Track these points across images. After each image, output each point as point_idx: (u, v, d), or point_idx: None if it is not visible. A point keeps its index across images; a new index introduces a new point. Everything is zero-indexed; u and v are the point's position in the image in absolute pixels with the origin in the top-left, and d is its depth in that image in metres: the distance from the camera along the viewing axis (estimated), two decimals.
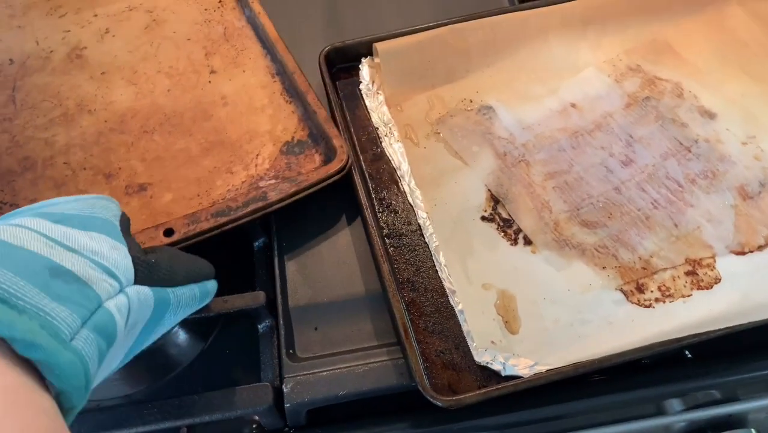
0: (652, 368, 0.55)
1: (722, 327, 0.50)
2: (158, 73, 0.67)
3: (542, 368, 0.50)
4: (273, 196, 0.54)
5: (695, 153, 0.63)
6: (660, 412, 0.56)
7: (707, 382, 0.55)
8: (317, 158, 0.60)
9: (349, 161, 0.58)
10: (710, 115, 0.66)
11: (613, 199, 0.60)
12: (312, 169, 0.58)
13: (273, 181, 0.57)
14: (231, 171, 0.59)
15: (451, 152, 0.64)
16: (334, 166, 0.57)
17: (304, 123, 0.62)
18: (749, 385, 0.57)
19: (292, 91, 0.64)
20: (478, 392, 0.48)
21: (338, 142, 0.59)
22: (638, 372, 0.55)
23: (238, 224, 0.53)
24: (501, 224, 0.59)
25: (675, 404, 0.57)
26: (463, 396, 0.47)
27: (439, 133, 0.66)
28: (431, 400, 0.47)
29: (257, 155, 0.60)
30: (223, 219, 0.52)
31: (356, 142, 0.65)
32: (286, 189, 0.54)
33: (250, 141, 0.61)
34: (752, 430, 0.52)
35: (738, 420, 0.52)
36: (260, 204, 0.54)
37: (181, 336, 0.60)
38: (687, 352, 0.57)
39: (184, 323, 0.58)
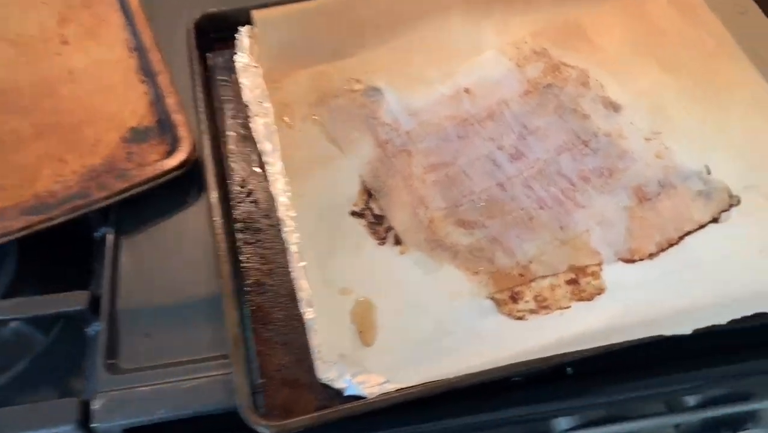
0: (525, 385, 0.50)
1: (589, 347, 0.44)
2: (1, 40, 0.59)
3: (393, 386, 0.44)
4: (97, 193, 0.47)
5: (593, 148, 0.57)
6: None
7: (589, 400, 0.50)
8: (162, 149, 0.53)
9: (194, 155, 0.51)
10: (615, 107, 0.60)
11: (496, 197, 0.54)
12: (152, 162, 0.51)
13: (105, 173, 0.50)
14: (63, 159, 0.51)
15: (328, 138, 0.58)
16: (172, 161, 0.50)
17: (155, 108, 0.55)
18: (637, 402, 0.53)
19: (147, 70, 0.57)
20: (302, 417, 0.42)
21: (184, 132, 0.52)
22: (511, 390, 0.49)
23: (52, 224, 0.46)
24: (372, 220, 0.53)
25: (563, 422, 0.53)
26: (286, 422, 0.41)
27: (316, 115, 0.59)
28: (249, 423, 0.41)
29: (97, 142, 0.53)
30: (35, 219, 0.45)
31: (221, 123, 0.58)
32: (113, 186, 0.47)
33: (91, 125, 0.54)
34: None
35: None
36: (80, 202, 0.47)
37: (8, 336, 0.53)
38: (569, 368, 0.51)
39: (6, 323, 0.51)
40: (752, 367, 0.52)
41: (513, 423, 0.50)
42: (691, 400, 0.54)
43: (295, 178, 0.55)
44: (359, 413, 0.42)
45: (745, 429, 0.56)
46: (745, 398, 0.54)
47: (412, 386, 0.43)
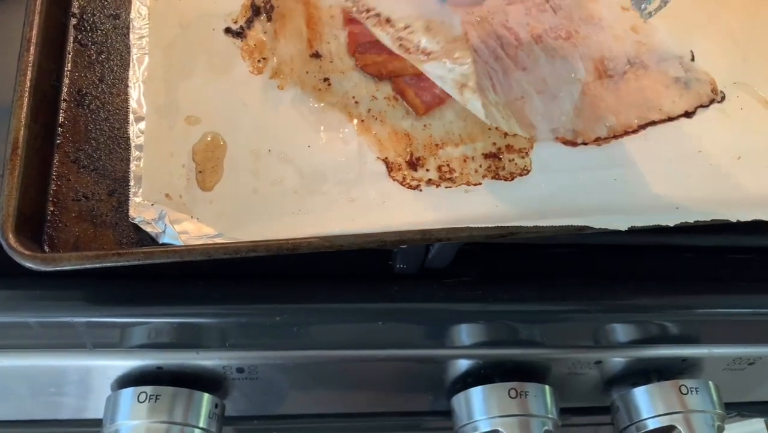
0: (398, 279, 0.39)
1: (486, 226, 0.33)
2: None
3: (224, 241, 0.33)
4: None
5: (555, 5, 0.45)
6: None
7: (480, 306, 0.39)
8: None
9: None
10: None
11: None
12: None
13: None
14: None
15: None
16: None
17: None
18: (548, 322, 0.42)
19: None
20: (83, 252, 0.30)
21: None
22: (384, 282, 0.39)
23: None
24: (250, 45, 0.41)
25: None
26: (58, 255, 0.30)
27: None
28: (5, 248, 0.30)
29: None
30: None
31: None
32: None
33: None
34: None
35: None
36: None
37: None
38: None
39: None
40: (701, 301, 0.42)
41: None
42: (619, 332, 0.43)
43: None
44: (151, 263, 0.31)
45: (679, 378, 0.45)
46: (683, 340, 0.43)
47: (240, 243, 0.32)
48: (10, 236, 0.30)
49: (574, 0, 0.45)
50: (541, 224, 0.34)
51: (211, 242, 0.33)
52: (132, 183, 0.35)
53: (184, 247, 0.32)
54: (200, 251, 0.31)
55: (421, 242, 0.32)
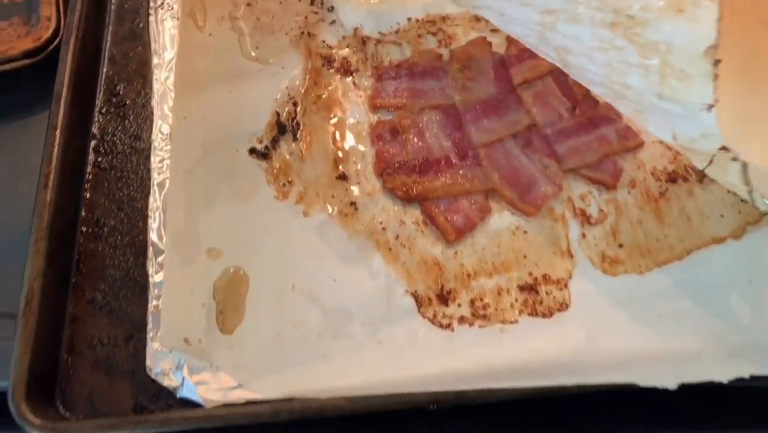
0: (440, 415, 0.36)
1: (530, 386, 0.31)
2: None
3: (244, 394, 0.31)
4: None
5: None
6: None
7: None
8: (23, 30, 0.39)
9: (54, 42, 0.38)
10: None
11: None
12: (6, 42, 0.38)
13: None
14: None
15: (245, 49, 0.44)
16: (24, 43, 0.36)
17: None
18: None
19: None
20: (97, 421, 0.29)
21: (47, 11, 0.38)
22: (419, 419, 0.36)
23: None
24: (275, 166, 0.39)
25: None
26: (70, 425, 0.28)
27: (238, 18, 0.45)
28: (15, 416, 0.28)
29: None
30: None
31: (109, 10, 0.44)
32: None
33: None
34: None
35: None
36: None
37: None
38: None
39: None
40: None
41: None
42: None
43: (188, 93, 0.41)
44: (176, 429, 0.29)
45: None
46: None
47: (265, 401, 0.30)
48: (22, 403, 0.28)
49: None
50: (583, 382, 0.31)
51: (232, 401, 0.31)
52: (150, 326, 0.33)
53: (203, 413, 0.30)
54: (220, 417, 0.29)
55: (455, 402, 0.30)
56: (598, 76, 0.34)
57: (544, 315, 0.36)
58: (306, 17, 0.45)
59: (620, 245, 0.38)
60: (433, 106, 0.42)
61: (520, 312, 0.36)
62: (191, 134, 0.39)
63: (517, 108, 0.43)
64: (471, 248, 0.38)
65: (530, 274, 0.37)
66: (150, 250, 0.35)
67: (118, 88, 0.41)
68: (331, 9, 0.46)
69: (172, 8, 0.44)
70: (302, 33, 0.45)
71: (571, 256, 0.38)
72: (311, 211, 0.38)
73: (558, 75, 0.44)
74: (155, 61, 0.42)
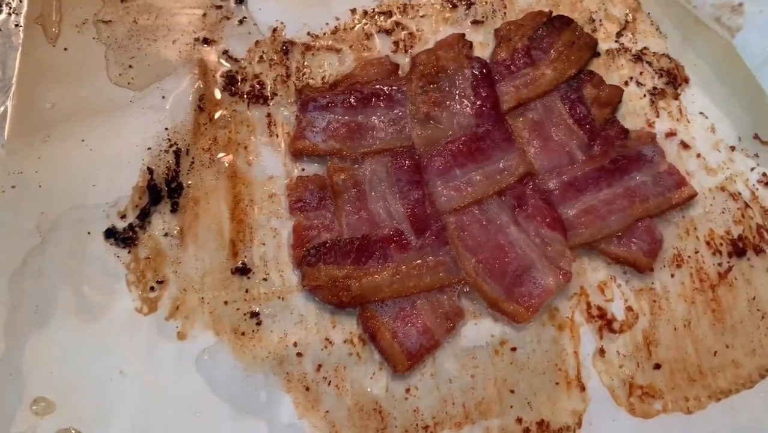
0: None
1: None
2: None
3: None
4: None
5: None
6: None
7: None
8: None
9: None
10: None
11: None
12: None
13: None
14: None
15: (112, 68, 0.30)
16: None
17: None
18: None
19: None
20: None
21: None
22: None
23: None
24: (142, 256, 0.27)
25: None
26: None
27: (107, 22, 0.31)
28: None
29: None
30: None
31: None
32: None
33: None
34: None
35: None
36: None
37: None
38: None
39: None
40: None
41: None
42: None
43: (23, 144, 0.28)
44: None
45: None
46: None
47: None
48: None
49: None
50: None
51: None
52: None
53: None
54: None
55: None
56: None
57: None
58: (204, 14, 0.32)
59: (657, 366, 0.25)
60: (381, 151, 0.28)
61: None
62: (21, 211, 0.27)
63: (505, 147, 0.29)
64: (431, 381, 0.25)
65: (519, 421, 0.24)
66: None
67: None
68: (240, 0, 0.32)
69: (11, 7, 0.30)
70: (196, 40, 0.31)
71: (583, 388, 0.25)
72: (189, 332, 0.25)
73: (568, 91, 0.30)
74: None
